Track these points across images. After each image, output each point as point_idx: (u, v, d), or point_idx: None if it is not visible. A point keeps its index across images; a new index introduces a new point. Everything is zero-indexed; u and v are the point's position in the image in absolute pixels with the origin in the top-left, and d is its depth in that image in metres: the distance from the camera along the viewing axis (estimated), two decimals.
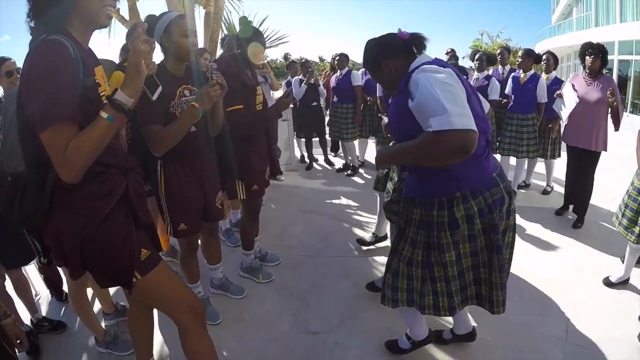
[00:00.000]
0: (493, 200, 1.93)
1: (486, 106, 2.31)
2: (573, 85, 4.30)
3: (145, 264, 1.63)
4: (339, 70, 6.05)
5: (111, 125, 1.40)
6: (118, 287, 3.12)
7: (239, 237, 3.41)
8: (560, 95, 4.39)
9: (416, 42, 1.95)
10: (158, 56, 2.35)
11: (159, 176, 2.29)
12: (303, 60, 6.73)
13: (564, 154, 4.89)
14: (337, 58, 6.08)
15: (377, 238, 3.70)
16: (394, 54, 1.95)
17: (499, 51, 5.85)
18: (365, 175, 6.23)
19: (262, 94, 2.98)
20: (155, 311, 2.15)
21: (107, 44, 6.29)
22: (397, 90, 1.91)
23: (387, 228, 3.58)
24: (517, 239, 4.16)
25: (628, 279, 3.42)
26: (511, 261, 2.22)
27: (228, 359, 2.41)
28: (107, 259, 1.54)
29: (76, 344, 2.65)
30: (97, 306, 2.84)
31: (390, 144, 2.13)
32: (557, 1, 34.82)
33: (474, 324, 2.63)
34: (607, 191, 5.36)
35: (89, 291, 2.73)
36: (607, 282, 3.42)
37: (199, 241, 2.71)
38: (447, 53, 6.68)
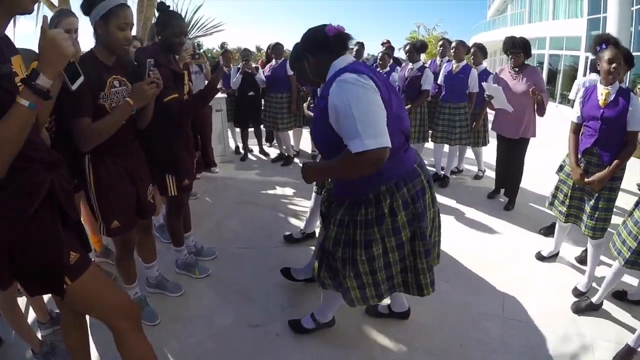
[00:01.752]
0: (415, 191, 2.02)
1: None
2: (497, 83, 4.58)
3: (75, 267, 1.52)
4: (274, 59, 5.98)
5: (31, 112, 1.27)
6: (50, 294, 3.01)
7: None
8: (490, 97, 4.56)
9: (338, 42, 1.96)
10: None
11: (87, 171, 2.16)
12: (242, 49, 6.58)
13: (492, 141, 5.20)
14: (273, 47, 6.02)
15: (305, 235, 3.71)
16: (317, 48, 1.97)
17: (440, 42, 6.00)
18: (300, 165, 6.19)
19: (189, 82, 2.91)
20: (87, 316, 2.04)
21: (34, 33, 5.87)
22: (320, 95, 1.93)
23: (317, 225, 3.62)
24: (453, 221, 4.37)
25: (558, 252, 3.73)
26: (440, 243, 2.33)
27: (169, 357, 2.34)
28: (34, 265, 1.43)
29: (13, 358, 2.49)
30: (31, 316, 2.68)
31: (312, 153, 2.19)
32: None
33: (410, 305, 2.73)
34: (536, 174, 5.70)
35: (22, 301, 2.59)
36: (539, 256, 3.73)
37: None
38: (382, 44, 6.79)
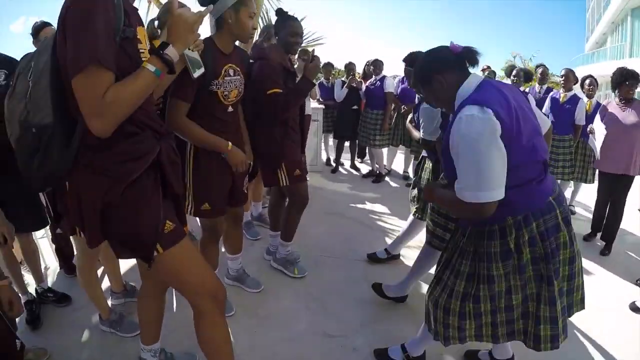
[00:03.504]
0: (546, 227, 1.82)
1: (546, 125, 2.16)
2: (602, 117, 4.27)
3: (169, 237, 1.47)
4: (373, 76, 5.90)
5: (155, 79, 1.32)
6: (129, 266, 3.04)
7: (258, 231, 3.36)
8: (592, 132, 4.26)
9: (469, 55, 1.83)
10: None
11: (188, 149, 2.17)
12: (347, 62, 6.57)
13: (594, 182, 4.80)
14: (372, 63, 5.94)
15: (390, 256, 3.50)
16: (445, 66, 1.82)
17: (541, 70, 5.67)
18: (391, 183, 6.09)
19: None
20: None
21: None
22: (449, 120, 1.79)
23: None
24: None
25: None
26: (581, 291, 2.06)
27: (238, 354, 2.20)
28: (129, 227, 1.40)
29: (79, 319, 2.54)
30: (105, 284, 2.72)
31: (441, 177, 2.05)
32: (591, 29, 35.13)
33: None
34: (636, 218, 5.19)
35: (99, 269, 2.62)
36: (633, 307, 3.29)
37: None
38: (483, 70, 6.55)
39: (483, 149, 1.61)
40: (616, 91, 4.14)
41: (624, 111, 4.10)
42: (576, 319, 2.97)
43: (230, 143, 2.16)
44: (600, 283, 3.65)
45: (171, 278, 1.61)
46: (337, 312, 2.72)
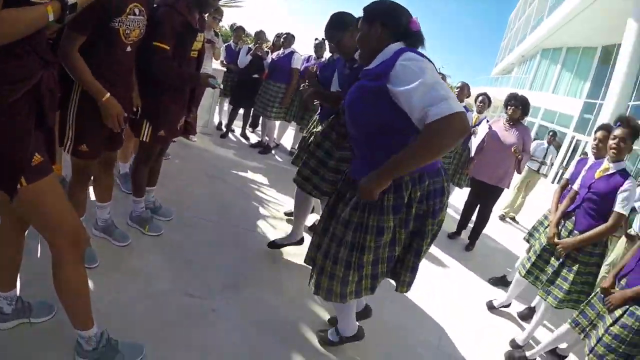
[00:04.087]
0: (435, 188, 1.97)
1: None
2: (490, 127, 4.78)
3: (35, 170, 1.42)
4: (282, 49, 5.91)
5: (48, 18, 1.30)
6: None
7: None
8: (474, 133, 4.73)
9: (416, 37, 1.91)
10: None
11: (75, 88, 2.08)
12: (258, 30, 6.51)
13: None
14: (285, 36, 5.95)
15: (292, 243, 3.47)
16: (393, 23, 1.88)
17: (460, 85, 6.01)
18: (277, 157, 6.21)
19: (203, 42, 2.84)
20: None
21: None
22: (371, 73, 1.85)
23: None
24: None
25: (510, 304, 3.78)
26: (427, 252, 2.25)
27: (97, 307, 2.07)
28: None
29: None
30: None
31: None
32: (502, 57, 38.66)
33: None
34: (497, 225, 6.02)
35: None
36: (490, 305, 3.77)
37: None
38: None
39: (435, 74, 1.72)
40: (505, 111, 4.63)
41: (506, 131, 4.62)
42: (441, 312, 3.36)
43: (108, 94, 2.08)
44: (460, 281, 4.13)
45: (31, 213, 1.55)
46: (201, 274, 2.76)
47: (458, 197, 6.25)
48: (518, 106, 4.48)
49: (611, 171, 3.02)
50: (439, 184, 1.99)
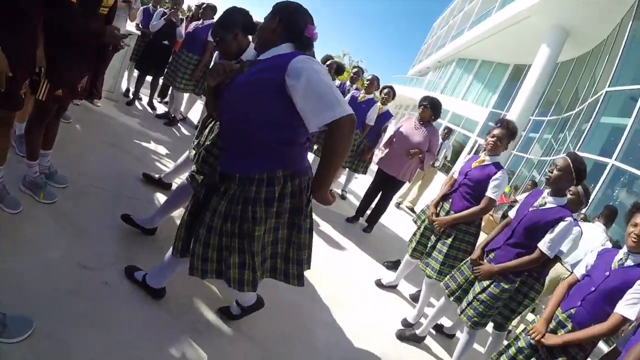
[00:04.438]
0: (304, 185, 2.12)
1: None
2: (399, 127, 5.14)
3: None
4: (201, 19, 5.82)
5: None
6: None
7: None
8: (384, 129, 5.13)
9: (305, 44, 2.06)
10: None
11: None
12: None
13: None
14: (205, 7, 5.85)
15: (159, 180, 3.87)
16: (290, 24, 2.02)
17: (355, 70, 6.30)
18: (183, 130, 6.15)
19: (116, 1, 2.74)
20: None
21: None
22: (266, 65, 1.96)
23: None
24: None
25: (397, 285, 4.24)
26: (311, 247, 2.40)
27: None
28: None
29: None
30: None
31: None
32: (420, 60, 41.22)
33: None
34: (394, 214, 6.54)
35: None
36: (379, 283, 4.19)
37: None
38: None
39: (329, 78, 1.89)
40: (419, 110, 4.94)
41: (416, 129, 4.97)
42: (336, 292, 3.62)
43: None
44: (356, 261, 4.50)
45: None
46: (94, 244, 2.76)
47: (356, 183, 6.62)
48: (429, 107, 4.82)
49: (486, 162, 3.47)
50: (306, 182, 2.14)
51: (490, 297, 2.93)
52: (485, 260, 3.08)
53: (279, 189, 2.04)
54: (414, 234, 3.91)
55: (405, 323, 3.69)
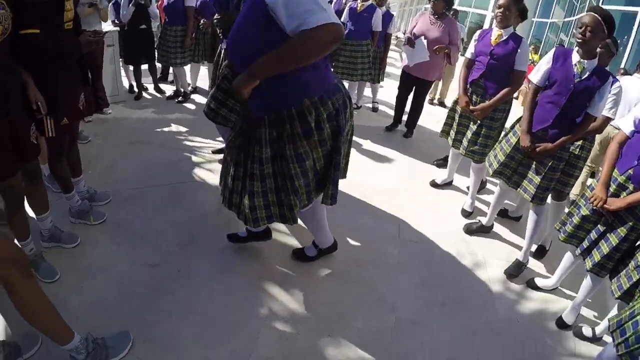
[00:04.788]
0: (338, 104, 2.10)
1: None
2: (414, 26, 4.95)
3: None
4: None
5: None
6: None
7: None
8: (410, 42, 4.87)
9: None
10: None
11: None
12: None
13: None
14: None
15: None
16: None
17: None
18: (197, 101, 6.11)
19: (73, 10, 2.60)
20: None
21: None
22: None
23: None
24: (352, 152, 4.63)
25: (452, 181, 4.23)
26: (349, 158, 2.48)
27: (70, 313, 2.18)
28: None
29: None
30: None
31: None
32: None
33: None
34: (431, 114, 6.43)
35: None
36: (433, 184, 4.22)
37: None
38: None
39: None
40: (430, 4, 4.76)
41: (432, 24, 4.77)
42: (384, 198, 3.70)
43: None
44: (404, 168, 4.55)
45: None
46: (155, 241, 2.90)
47: (383, 92, 6.55)
48: (439, 1, 4.62)
49: (504, 37, 3.36)
50: (341, 98, 2.11)
51: (550, 170, 2.88)
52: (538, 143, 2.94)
53: (313, 118, 2.02)
54: (448, 125, 3.90)
55: (465, 213, 3.75)
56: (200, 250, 2.83)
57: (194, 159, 4.15)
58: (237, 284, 2.61)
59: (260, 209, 2.27)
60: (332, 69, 5.45)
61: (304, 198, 2.27)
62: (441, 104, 7.69)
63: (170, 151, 4.30)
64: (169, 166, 3.96)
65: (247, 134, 2.18)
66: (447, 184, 4.24)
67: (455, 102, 3.79)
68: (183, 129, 4.93)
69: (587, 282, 2.75)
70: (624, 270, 2.44)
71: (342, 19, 5.49)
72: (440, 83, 7.46)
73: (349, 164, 2.55)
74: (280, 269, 2.79)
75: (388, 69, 7.55)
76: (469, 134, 3.62)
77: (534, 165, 3.01)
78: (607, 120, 2.94)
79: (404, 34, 5.27)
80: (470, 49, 3.62)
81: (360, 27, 5.39)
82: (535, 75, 2.98)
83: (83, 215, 3.04)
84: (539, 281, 3.15)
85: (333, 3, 6.03)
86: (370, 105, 6.61)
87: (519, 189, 3.11)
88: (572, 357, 2.68)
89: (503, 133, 3.33)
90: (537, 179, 2.96)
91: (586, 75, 2.74)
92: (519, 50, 3.35)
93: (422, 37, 4.76)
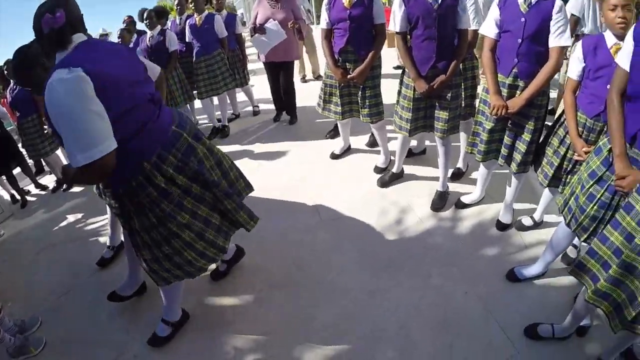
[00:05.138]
0: (182, 153, 2.10)
1: (155, 71, 2.47)
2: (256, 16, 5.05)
3: None
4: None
5: None
6: None
7: None
8: (260, 29, 5.05)
9: (54, 40, 1.81)
10: None
11: None
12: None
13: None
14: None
15: (116, 249, 3.68)
16: (39, 55, 1.98)
17: (176, 1, 5.85)
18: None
19: None
20: None
21: None
22: None
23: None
24: (249, 153, 4.78)
25: (350, 145, 4.58)
26: (243, 176, 2.58)
27: None
28: None
29: None
30: None
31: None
32: None
33: None
34: (305, 90, 6.85)
35: None
36: (334, 156, 4.50)
37: None
38: (124, 21, 6.50)
39: (79, 111, 1.66)
40: None
41: (273, 8, 4.92)
42: (294, 190, 3.88)
43: None
44: (301, 150, 4.71)
45: None
46: (101, 338, 2.86)
47: (258, 91, 7.00)
48: None
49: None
50: (184, 145, 2.12)
51: (453, 100, 3.18)
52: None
53: (160, 179, 2.02)
54: (326, 100, 3.92)
55: (378, 170, 4.04)
56: (147, 329, 2.79)
57: (101, 239, 4.04)
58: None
59: (168, 271, 2.31)
60: (195, 93, 5.51)
61: (210, 249, 2.33)
62: (318, 78, 7.87)
63: (79, 242, 4.18)
64: (84, 256, 3.81)
65: (120, 209, 2.21)
66: (347, 151, 4.39)
67: (328, 76, 3.85)
68: (80, 215, 4.77)
69: (513, 181, 3.05)
70: (545, 160, 2.75)
71: (186, 39, 5.49)
72: (307, 59, 7.59)
73: (244, 177, 2.63)
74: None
75: (253, 65, 7.60)
76: (357, 100, 3.72)
77: (437, 104, 3.19)
78: (475, 32, 3.09)
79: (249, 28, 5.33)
80: (325, 18, 3.64)
81: (206, 41, 5.38)
82: (395, 24, 3.10)
83: (22, 350, 2.94)
84: (465, 199, 3.39)
85: (170, 26, 5.93)
86: (250, 109, 6.71)
87: (432, 131, 3.32)
88: (524, 250, 2.97)
89: (397, 92, 3.40)
90: (444, 114, 3.16)
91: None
92: (373, 5, 3.40)
93: (271, 20, 4.89)
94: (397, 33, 3.12)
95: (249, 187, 2.67)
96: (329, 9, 3.57)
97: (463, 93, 3.36)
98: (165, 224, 2.11)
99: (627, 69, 1.88)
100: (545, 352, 2.37)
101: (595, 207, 2.08)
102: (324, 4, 3.68)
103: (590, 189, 2.09)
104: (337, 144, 4.59)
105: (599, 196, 2.05)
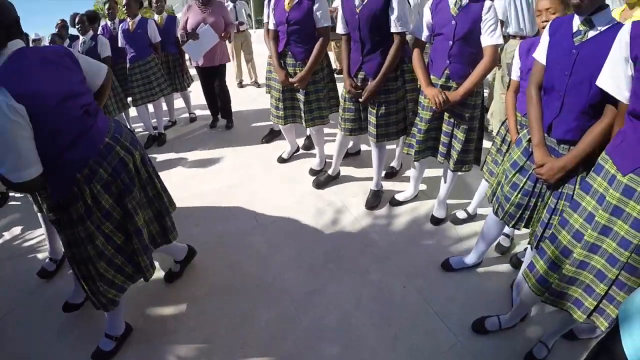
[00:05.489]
0: (113, 167, 2.10)
1: (101, 72, 2.32)
2: (186, 21, 5.06)
3: None
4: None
5: None
6: None
7: None
8: (192, 35, 5.03)
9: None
10: None
11: None
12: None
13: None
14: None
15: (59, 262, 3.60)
16: None
17: (107, 5, 5.70)
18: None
19: None
20: None
21: None
22: None
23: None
24: (189, 161, 4.81)
25: (298, 147, 4.61)
26: (163, 193, 2.54)
27: None
28: None
29: None
30: None
31: None
32: None
33: None
34: (240, 94, 6.82)
35: None
36: (281, 160, 4.52)
37: None
38: (56, 26, 6.28)
39: (9, 137, 1.71)
40: None
41: (203, 13, 4.93)
42: (234, 194, 3.79)
43: None
44: (237, 156, 4.71)
45: None
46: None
47: (196, 97, 6.79)
48: None
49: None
50: (115, 158, 2.11)
51: (385, 107, 3.23)
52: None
53: (88, 193, 2.04)
54: (274, 106, 3.85)
55: (312, 172, 4.07)
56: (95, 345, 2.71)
57: (40, 255, 3.92)
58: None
59: (109, 292, 2.35)
60: (130, 100, 5.44)
61: (119, 279, 2.35)
62: (254, 83, 7.85)
63: (17, 260, 3.98)
64: (25, 273, 3.63)
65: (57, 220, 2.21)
66: (295, 152, 4.57)
67: (270, 78, 3.88)
68: (17, 231, 4.54)
69: (448, 178, 3.19)
70: (489, 157, 2.92)
71: (119, 45, 5.39)
72: (244, 64, 7.62)
73: (169, 195, 2.65)
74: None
75: (193, 70, 7.51)
76: (300, 105, 3.71)
77: (369, 108, 3.26)
78: (403, 34, 3.02)
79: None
80: (271, 19, 3.60)
81: (140, 46, 5.30)
82: (338, 26, 3.19)
83: None
84: (399, 196, 3.55)
85: (101, 30, 5.80)
86: (187, 115, 6.66)
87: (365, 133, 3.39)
88: (459, 242, 3.16)
89: (341, 97, 3.44)
90: (374, 120, 3.24)
91: (365, 1, 2.92)
92: (314, 7, 3.34)
93: (202, 24, 4.92)
94: (342, 35, 3.19)
95: (172, 205, 2.71)
96: (272, 10, 3.55)
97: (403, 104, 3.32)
98: (84, 244, 2.12)
99: (544, 62, 2.05)
100: (486, 339, 2.54)
101: (519, 195, 2.25)
102: (265, 5, 3.69)
103: (514, 179, 2.27)
104: (273, 149, 4.71)
105: (522, 185, 2.23)
